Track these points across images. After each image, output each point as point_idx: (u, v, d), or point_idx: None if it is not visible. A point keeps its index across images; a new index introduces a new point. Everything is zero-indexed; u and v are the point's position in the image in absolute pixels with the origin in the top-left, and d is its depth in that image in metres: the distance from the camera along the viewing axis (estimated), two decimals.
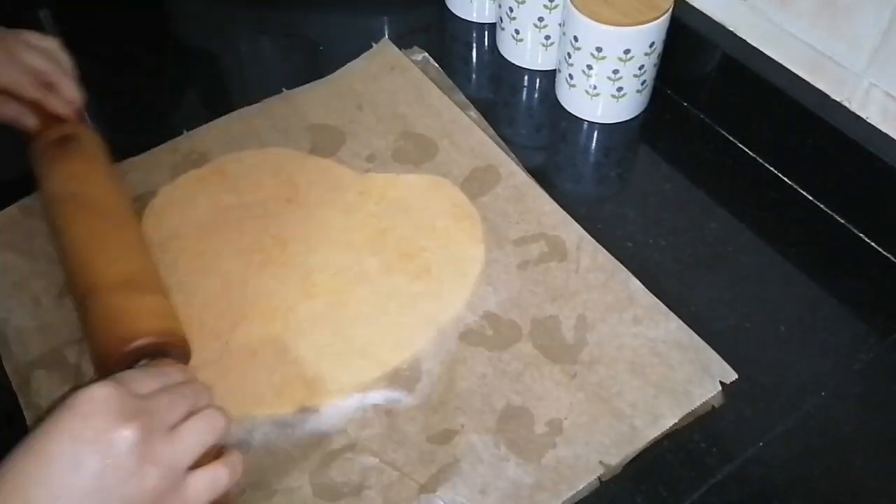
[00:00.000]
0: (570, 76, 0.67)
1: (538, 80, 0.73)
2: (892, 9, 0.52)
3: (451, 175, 0.63)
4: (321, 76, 0.71)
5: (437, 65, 0.73)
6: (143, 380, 0.41)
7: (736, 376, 0.51)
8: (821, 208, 0.61)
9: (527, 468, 0.47)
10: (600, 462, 0.47)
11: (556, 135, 0.69)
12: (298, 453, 0.48)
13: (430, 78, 0.71)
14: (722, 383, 0.50)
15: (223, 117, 0.68)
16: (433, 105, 0.68)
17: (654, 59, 0.65)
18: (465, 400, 0.50)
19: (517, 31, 0.71)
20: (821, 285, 0.57)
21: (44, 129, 0.57)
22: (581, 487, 0.46)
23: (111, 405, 0.37)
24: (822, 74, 0.60)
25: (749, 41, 0.64)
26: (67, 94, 0.57)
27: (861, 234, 0.59)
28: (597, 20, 0.61)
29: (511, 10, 0.70)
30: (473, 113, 0.68)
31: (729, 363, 0.51)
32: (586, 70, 0.65)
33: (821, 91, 0.60)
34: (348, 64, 0.72)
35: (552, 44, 0.71)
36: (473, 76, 0.75)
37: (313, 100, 0.70)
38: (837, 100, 0.59)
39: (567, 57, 0.66)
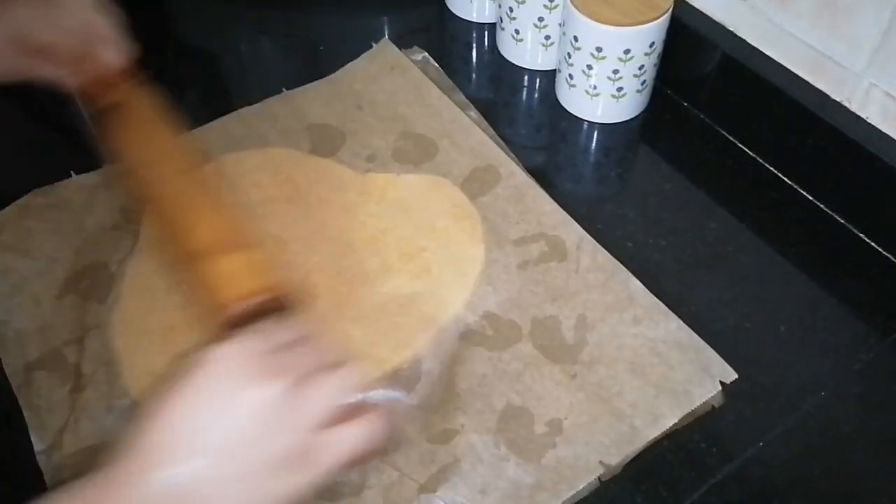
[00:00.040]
0: (570, 76, 0.67)
1: (538, 80, 0.73)
2: (892, 9, 0.52)
3: (451, 175, 0.63)
4: (321, 76, 0.71)
5: (437, 65, 0.73)
6: (271, 334, 0.39)
7: (736, 376, 0.51)
8: (821, 208, 0.61)
9: (527, 468, 0.47)
10: (600, 462, 0.47)
11: (556, 135, 0.69)
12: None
13: (430, 78, 0.71)
14: (722, 383, 0.50)
15: (223, 117, 0.68)
16: (433, 105, 0.68)
17: (654, 59, 0.65)
18: (465, 400, 0.50)
19: (517, 31, 0.71)
20: (821, 285, 0.57)
21: (94, 91, 0.54)
22: (581, 487, 0.46)
23: (246, 362, 0.36)
24: (822, 74, 0.60)
25: (749, 41, 0.64)
26: (111, 50, 0.54)
27: (861, 234, 0.59)
28: (597, 20, 0.61)
29: (511, 10, 0.70)
30: (473, 113, 0.68)
31: (729, 363, 0.51)
32: (586, 70, 0.65)
33: (821, 91, 0.60)
34: (348, 64, 0.72)
35: (552, 44, 0.71)
36: (473, 76, 0.75)
37: (313, 100, 0.70)
38: (837, 100, 0.59)
39: (567, 57, 0.66)
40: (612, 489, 0.47)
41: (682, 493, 0.47)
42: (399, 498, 0.46)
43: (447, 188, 0.62)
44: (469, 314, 0.55)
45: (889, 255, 0.58)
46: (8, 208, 0.61)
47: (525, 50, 0.72)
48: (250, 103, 0.69)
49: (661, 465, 0.48)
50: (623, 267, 0.56)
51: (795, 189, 0.63)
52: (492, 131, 0.67)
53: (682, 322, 0.53)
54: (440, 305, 0.55)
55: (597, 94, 0.66)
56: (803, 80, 0.61)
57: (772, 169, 0.64)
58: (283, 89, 0.70)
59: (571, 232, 0.59)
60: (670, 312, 0.54)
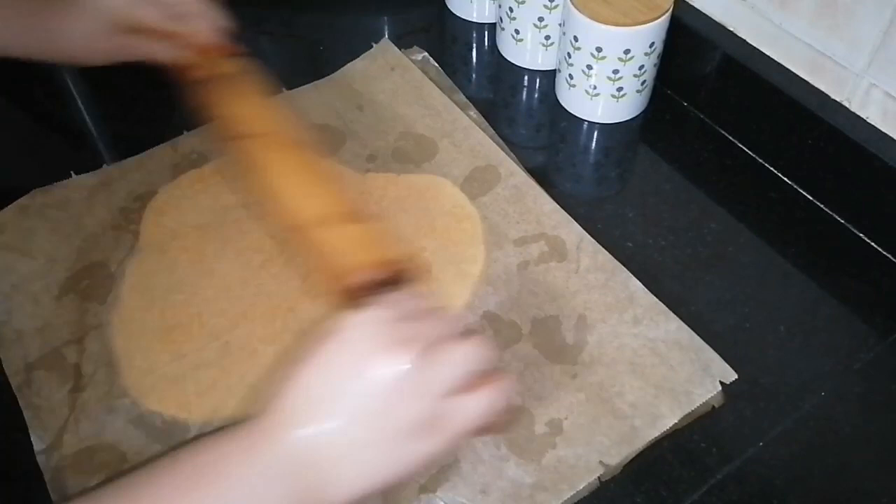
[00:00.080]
0: (570, 76, 0.67)
1: (538, 80, 0.73)
2: (892, 9, 0.52)
3: (451, 175, 0.63)
4: (321, 76, 0.71)
5: (437, 65, 0.73)
6: (402, 303, 0.40)
7: (736, 376, 0.51)
8: (821, 208, 0.61)
9: (527, 468, 0.47)
10: (600, 462, 0.47)
11: (556, 135, 0.69)
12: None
13: (430, 78, 0.71)
14: (722, 383, 0.50)
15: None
16: (433, 105, 0.68)
17: (654, 59, 0.65)
18: None
19: (517, 31, 0.71)
20: (821, 285, 0.57)
21: (190, 65, 0.54)
22: (581, 487, 0.46)
23: (382, 328, 0.37)
24: (822, 74, 0.60)
25: (749, 41, 0.64)
26: (206, 23, 0.54)
27: (861, 234, 0.59)
28: (597, 20, 0.61)
29: (511, 10, 0.70)
30: (473, 113, 0.68)
31: (729, 363, 0.51)
32: (586, 70, 0.65)
33: (821, 91, 0.60)
34: (348, 64, 0.72)
35: (552, 44, 0.71)
36: (473, 76, 0.75)
37: (313, 100, 0.70)
38: (837, 100, 0.59)
39: (567, 57, 0.66)
40: (612, 489, 0.47)
41: (682, 493, 0.47)
42: (399, 498, 0.46)
43: (447, 188, 0.62)
44: (469, 314, 0.55)
45: (889, 255, 0.58)
46: (8, 208, 0.61)
47: (525, 50, 0.72)
48: None
49: (661, 465, 0.48)
50: (623, 267, 0.56)
51: (795, 189, 0.63)
52: (492, 131, 0.67)
53: (682, 322, 0.53)
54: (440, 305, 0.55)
55: (597, 94, 0.66)
56: (803, 80, 0.61)
57: (772, 169, 0.64)
58: (283, 89, 0.70)
59: (571, 232, 0.59)
60: (670, 312, 0.54)
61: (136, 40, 0.54)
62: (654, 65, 0.66)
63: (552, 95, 0.71)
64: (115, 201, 0.62)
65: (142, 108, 0.71)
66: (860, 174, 0.58)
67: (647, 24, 0.61)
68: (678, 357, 0.52)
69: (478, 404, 0.38)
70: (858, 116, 0.58)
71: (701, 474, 0.47)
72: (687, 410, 0.49)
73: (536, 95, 0.73)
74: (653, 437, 0.48)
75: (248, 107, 0.53)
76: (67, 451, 0.48)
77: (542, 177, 0.63)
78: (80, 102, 0.72)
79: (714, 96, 0.68)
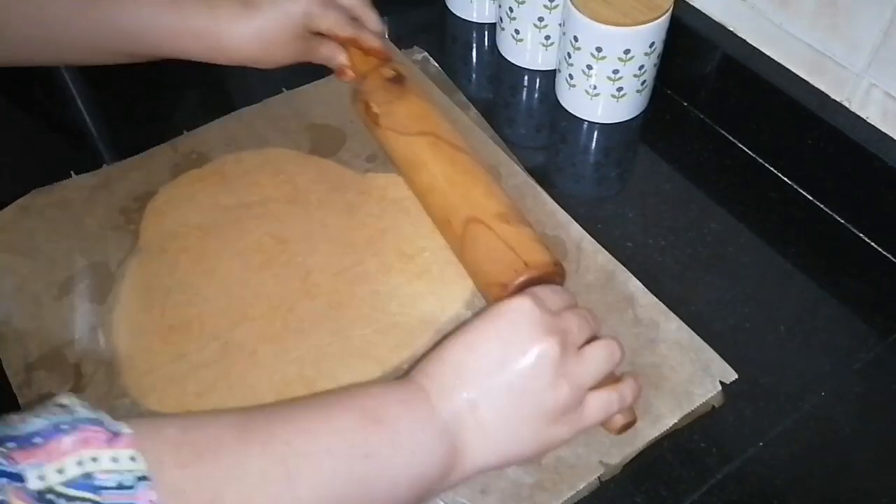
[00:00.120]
0: (570, 76, 0.67)
1: (538, 80, 0.73)
2: (893, 9, 0.52)
3: None
4: (321, 76, 0.71)
5: (437, 65, 0.73)
6: (553, 297, 0.44)
7: (736, 376, 0.51)
8: (821, 208, 0.61)
9: (527, 468, 0.47)
10: (600, 462, 0.47)
11: (556, 135, 0.69)
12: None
13: (430, 78, 0.71)
14: (722, 383, 0.50)
15: (223, 117, 0.68)
16: None
17: (654, 59, 0.65)
18: None
19: (517, 31, 0.71)
20: (821, 285, 0.57)
21: (363, 66, 0.59)
22: (581, 487, 0.46)
23: (535, 317, 0.41)
24: (822, 74, 0.60)
25: (749, 41, 0.64)
26: (374, 26, 0.58)
27: (861, 234, 0.59)
28: (597, 20, 0.61)
29: (511, 10, 0.70)
30: (473, 113, 0.68)
31: (729, 363, 0.51)
32: (586, 70, 0.65)
33: (821, 91, 0.60)
34: None
35: (552, 44, 0.71)
36: (473, 76, 0.75)
37: (313, 100, 0.69)
38: (837, 100, 0.59)
39: (567, 57, 0.66)
40: (612, 489, 0.47)
41: (682, 493, 0.47)
42: None
43: None
44: (469, 314, 0.55)
45: (889, 255, 0.58)
46: (8, 208, 0.61)
47: (525, 50, 0.72)
48: (250, 103, 0.69)
49: (661, 465, 0.48)
50: (623, 267, 0.56)
51: (795, 189, 0.63)
52: (492, 131, 0.67)
53: (682, 322, 0.53)
54: (440, 305, 0.55)
55: (597, 94, 0.66)
56: (803, 80, 0.61)
57: (772, 169, 0.64)
58: (283, 89, 0.70)
59: (571, 232, 0.59)
60: (670, 313, 0.54)
61: (319, 44, 0.58)
62: (654, 65, 0.66)
63: (552, 95, 0.71)
64: (115, 201, 0.62)
65: (142, 108, 0.71)
66: (860, 174, 0.58)
67: (647, 24, 0.61)
68: (678, 357, 0.52)
69: (609, 400, 0.43)
70: (858, 116, 0.58)
71: (701, 474, 0.47)
72: (687, 410, 0.49)
73: (536, 95, 0.73)
74: (653, 437, 0.48)
75: (420, 109, 0.58)
76: None
77: (542, 177, 0.63)
78: (80, 102, 0.72)
79: (714, 96, 0.68)
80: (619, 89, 0.65)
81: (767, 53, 0.63)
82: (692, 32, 0.66)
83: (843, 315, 0.55)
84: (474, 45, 0.77)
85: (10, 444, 0.29)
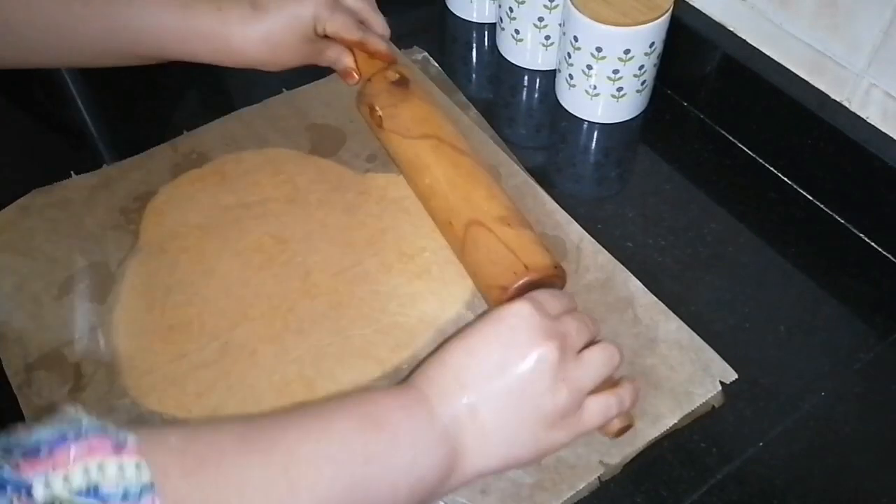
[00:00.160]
0: (570, 76, 0.67)
1: (538, 80, 0.73)
2: (893, 9, 0.52)
3: None
4: (321, 76, 0.71)
5: (437, 65, 0.73)
6: (553, 301, 0.44)
7: (736, 376, 0.51)
8: (821, 208, 0.61)
9: (527, 468, 0.47)
10: (600, 462, 0.47)
11: (556, 135, 0.69)
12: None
13: (430, 78, 0.71)
14: (722, 383, 0.50)
15: (223, 117, 0.68)
16: None
17: (654, 59, 0.65)
18: None
19: (517, 31, 0.71)
20: (821, 285, 0.57)
21: (368, 68, 0.60)
22: (581, 487, 0.46)
23: (535, 322, 0.41)
24: (822, 74, 0.60)
25: (749, 41, 0.64)
26: (380, 30, 0.58)
27: (861, 234, 0.59)
28: (597, 20, 0.61)
29: (511, 10, 0.70)
30: (473, 113, 0.68)
31: (729, 363, 0.51)
32: (586, 70, 0.65)
33: (821, 91, 0.60)
34: None
35: (552, 44, 0.71)
36: (473, 76, 0.75)
37: (313, 100, 0.70)
38: (837, 100, 0.59)
39: (567, 57, 0.66)
40: (612, 489, 0.47)
41: (682, 493, 0.47)
42: None
43: None
44: (469, 314, 0.55)
45: (889, 255, 0.58)
46: (8, 208, 0.61)
47: (525, 50, 0.72)
48: (250, 103, 0.69)
49: (661, 465, 0.48)
50: (623, 267, 0.56)
51: (795, 189, 0.63)
52: (492, 131, 0.67)
53: (682, 322, 0.53)
54: (440, 305, 0.55)
55: (597, 94, 0.66)
56: (803, 80, 0.61)
57: (772, 169, 0.64)
58: (283, 89, 0.70)
59: (571, 232, 0.59)
60: (670, 312, 0.54)
61: (325, 47, 0.58)
62: (654, 65, 0.66)
63: (552, 95, 0.71)
64: (115, 201, 0.62)
65: (142, 108, 0.71)
66: (860, 174, 0.58)
67: (647, 24, 0.61)
68: (678, 357, 0.52)
69: (608, 404, 0.43)
70: (858, 116, 0.58)
71: (701, 474, 0.47)
72: (687, 410, 0.49)
73: (536, 95, 0.73)
74: (653, 437, 0.48)
75: (423, 112, 0.58)
76: None
77: (542, 177, 0.63)
78: (80, 102, 0.72)
79: (714, 96, 0.68)
80: (619, 89, 0.65)
81: (767, 53, 0.63)
82: (692, 32, 0.66)
83: (843, 315, 0.55)
84: (474, 45, 0.77)
85: (17, 454, 0.29)
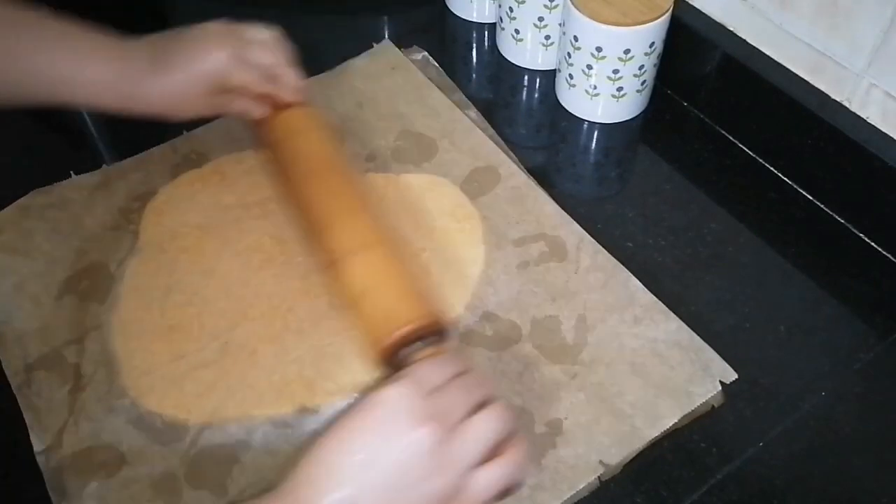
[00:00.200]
0: (570, 76, 0.67)
1: (538, 80, 0.73)
2: (893, 9, 0.52)
3: (450, 175, 0.63)
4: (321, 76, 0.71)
5: (437, 65, 0.73)
6: (431, 373, 0.41)
7: (736, 376, 0.51)
8: (821, 208, 0.61)
9: (526, 468, 0.47)
10: (600, 462, 0.47)
11: (556, 135, 0.69)
12: (298, 453, 0.48)
13: (430, 78, 0.71)
14: (722, 383, 0.50)
15: (223, 117, 0.68)
16: (433, 105, 0.68)
17: (654, 59, 0.65)
18: None
19: (517, 31, 0.71)
20: (821, 285, 0.57)
21: (275, 117, 0.58)
22: (581, 487, 0.46)
23: (407, 407, 0.39)
24: (822, 74, 0.60)
25: (749, 41, 0.64)
26: (293, 84, 0.58)
27: (861, 234, 0.59)
28: (597, 20, 0.61)
29: (511, 10, 0.70)
30: (473, 113, 0.68)
31: (729, 363, 0.51)
32: (586, 70, 0.65)
33: (821, 91, 0.60)
34: (348, 61, 0.72)
35: (552, 44, 0.71)
36: (473, 76, 0.75)
37: (313, 97, 0.69)
38: (837, 100, 0.59)
39: (567, 57, 0.66)
40: (612, 489, 0.47)
41: (682, 493, 0.47)
42: None
43: (447, 188, 0.62)
44: (469, 314, 0.55)
45: (889, 255, 0.58)
46: (8, 208, 0.61)
47: (525, 50, 0.72)
48: None
49: (661, 465, 0.48)
50: (623, 267, 0.56)
51: (795, 189, 0.63)
52: (492, 131, 0.67)
53: (682, 322, 0.53)
54: (440, 306, 0.55)
55: (597, 94, 0.66)
56: (803, 80, 0.61)
57: (772, 169, 0.64)
58: None
59: (571, 232, 0.59)
60: (670, 312, 0.54)
61: (229, 99, 0.56)
62: (654, 65, 0.66)
63: (552, 95, 0.71)
64: (115, 201, 0.62)
65: None
66: (860, 174, 0.58)
67: (647, 24, 0.61)
68: (678, 357, 0.52)
69: (496, 476, 0.40)
70: (858, 116, 0.58)
71: (701, 474, 0.47)
72: (687, 410, 0.49)
73: (536, 95, 0.73)
74: (653, 437, 0.48)
75: (314, 150, 0.56)
76: (67, 452, 0.48)
77: (542, 177, 0.63)
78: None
79: (714, 96, 0.68)
80: (619, 89, 0.65)
81: (767, 53, 0.63)
82: (692, 32, 0.66)
83: (843, 315, 0.55)
84: (474, 45, 0.77)
85: None
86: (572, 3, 0.62)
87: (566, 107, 0.69)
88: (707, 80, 0.68)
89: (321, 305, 0.55)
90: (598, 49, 0.63)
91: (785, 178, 0.63)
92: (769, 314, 0.55)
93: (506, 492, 0.41)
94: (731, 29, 0.65)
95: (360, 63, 0.72)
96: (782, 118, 0.62)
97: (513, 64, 0.74)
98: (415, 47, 0.74)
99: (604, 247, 0.58)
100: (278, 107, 0.58)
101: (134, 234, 0.59)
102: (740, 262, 0.58)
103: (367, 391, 0.41)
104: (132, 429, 0.49)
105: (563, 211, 0.60)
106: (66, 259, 0.58)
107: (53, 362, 0.52)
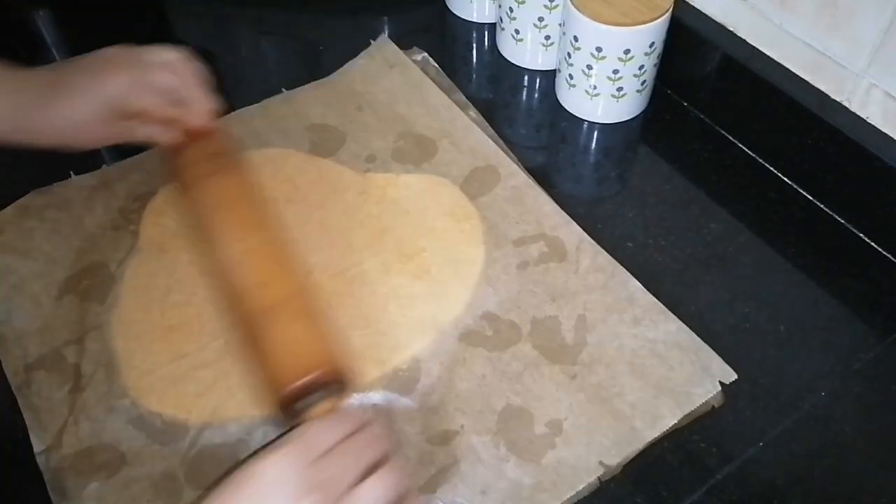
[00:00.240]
0: (570, 76, 0.67)
1: (538, 80, 0.73)
2: (893, 9, 0.52)
3: (450, 175, 0.63)
4: (321, 76, 0.71)
5: (437, 65, 0.73)
6: (320, 435, 0.40)
7: (736, 376, 0.51)
8: (821, 208, 0.61)
9: (526, 469, 0.47)
10: (600, 462, 0.47)
11: (556, 135, 0.69)
12: None
13: (430, 78, 0.71)
14: (722, 383, 0.50)
15: (223, 117, 0.68)
16: (433, 105, 0.68)
17: (654, 59, 0.65)
18: (464, 400, 0.50)
19: (517, 31, 0.71)
20: (821, 285, 0.57)
21: (185, 143, 0.55)
22: (581, 488, 0.46)
23: (288, 477, 0.37)
24: (822, 74, 0.60)
25: (749, 41, 0.64)
26: (200, 107, 0.54)
27: (861, 234, 0.59)
28: (597, 20, 0.61)
29: (511, 10, 0.70)
30: (473, 113, 0.68)
31: (729, 363, 0.51)
32: (586, 70, 0.65)
33: (821, 91, 0.60)
34: (348, 63, 0.72)
35: (552, 44, 0.71)
36: (473, 76, 0.75)
37: (313, 100, 0.69)
38: (837, 100, 0.59)
39: (567, 57, 0.66)
40: (612, 489, 0.47)
41: (682, 493, 0.47)
42: None
43: (447, 188, 0.62)
44: (469, 314, 0.55)
45: (889, 255, 0.58)
46: (8, 208, 0.61)
47: (525, 50, 0.72)
48: (250, 103, 0.69)
49: (661, 465, 0.48)
50: (623, 267, 0.56)
51: (795, 189, 0.63)
52: (492, 131, 0.67)
53: (681, 322, 0.53)
54: (440, 306, 0.55)
55: (597, 94, 0.66)
56: (803, 80, 0.61)
57: (772, 169, 0.64)
58: (283, 89, 0.70)
59: (571, 232, 0.59)
60: (670, 313, 0.54)
61: (136, 125, 0.54)
62: (654, 65, 0.66)
63: (552, 95, 0.71)
64: (115, 201, 0.62)
65: None
66: (860, 174, 0.58)
67: (647, 24, 0.61)
68: (678, 357, 0.52)
69: None
70: (858, 116, 0.58)
71: (701, 474, 0.47)
72: (687, 410, 0.49)
73: (536, 95, 0.73)
74: (653, 437, 0.48)
75: (228, 190, 0.53)
76: (67, 452, 0.48)
77: (541, 177, 0.63)
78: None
79: (714, 96, 0.68)
80: (619, 89, 0.65)
81: (767, 53, 0.63)
82: (692, 32, 0.66)
83: (843, 315, 0.55)
84: (474, 45, 0.77)
85: None
86: (572, 4, 0.62)
87: (566, 107, 0.69)
88: (707, 80, 0.68)
89: (321, 305, 0.55)
90: (598, 49, 0.63)
91: (785, 178, 0.63)
92: (769, 314, 0.55)
93: None
94: (731, 29, 0.65)
95: (358, 64, 0.72)
96: (782, 118, 0.62)
97: (513, 64, 0.74)
98: (415, 48, 0.74)
99: (604, 247, 0.58)
100: (189, 132, 0.54)
101: (134, 234, 0.59)
102: (740, 262, 0.58)
103: (248, 458, 0.39)
104: (132, 429, 0.49)
105: (562, 211, 0.60)
106: (66, 259, 0.58)
107: (53, 362, 0.52)
